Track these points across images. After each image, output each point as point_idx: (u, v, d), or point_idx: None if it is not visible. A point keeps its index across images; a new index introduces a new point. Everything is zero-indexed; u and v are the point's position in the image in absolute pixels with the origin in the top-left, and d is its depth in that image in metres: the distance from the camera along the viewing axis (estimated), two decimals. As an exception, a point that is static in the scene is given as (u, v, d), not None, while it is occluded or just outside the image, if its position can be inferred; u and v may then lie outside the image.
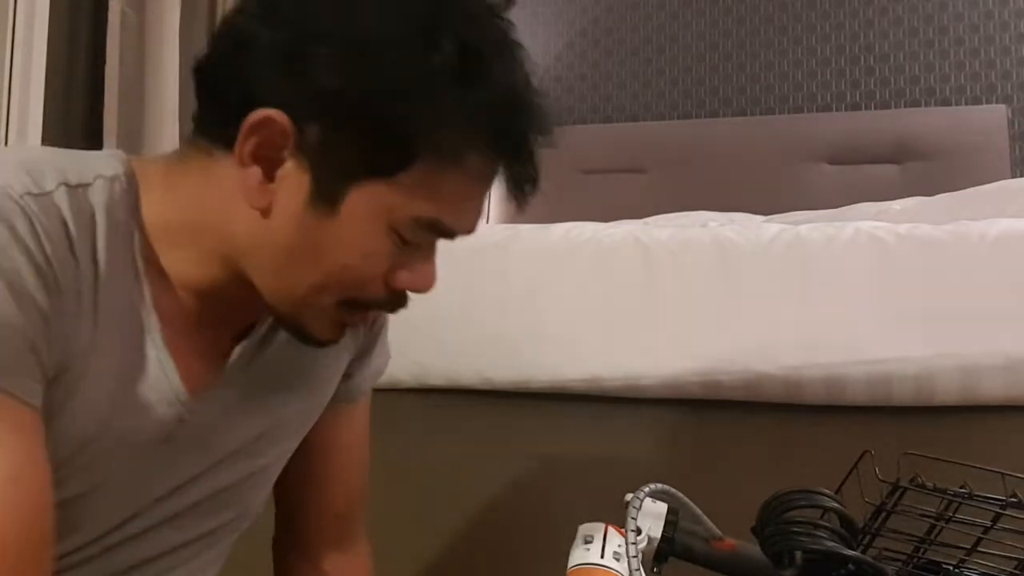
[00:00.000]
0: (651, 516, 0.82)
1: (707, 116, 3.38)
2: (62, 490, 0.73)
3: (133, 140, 2.25)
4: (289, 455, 0.96)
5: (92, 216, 0.71)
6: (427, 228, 0.75)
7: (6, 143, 1.94)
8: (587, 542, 0.79)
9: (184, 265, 0.77)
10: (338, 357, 0.95)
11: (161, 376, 0.77)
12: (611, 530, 0.80)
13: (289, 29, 0.71)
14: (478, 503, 1.41)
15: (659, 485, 0.82)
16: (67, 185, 0.70)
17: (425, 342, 1.42)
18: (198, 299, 0.79)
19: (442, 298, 1.46)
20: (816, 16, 3.29)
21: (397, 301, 0.80)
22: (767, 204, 2.78)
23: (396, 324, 1.42)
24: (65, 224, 0.69)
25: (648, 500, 0.81)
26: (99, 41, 2.20)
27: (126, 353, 0.75)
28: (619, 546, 0.78)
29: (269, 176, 0.73)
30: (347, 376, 0.98)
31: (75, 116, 2.15)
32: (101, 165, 0.75)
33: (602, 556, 0.78)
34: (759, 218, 2.41)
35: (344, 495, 1.04)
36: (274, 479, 0.96)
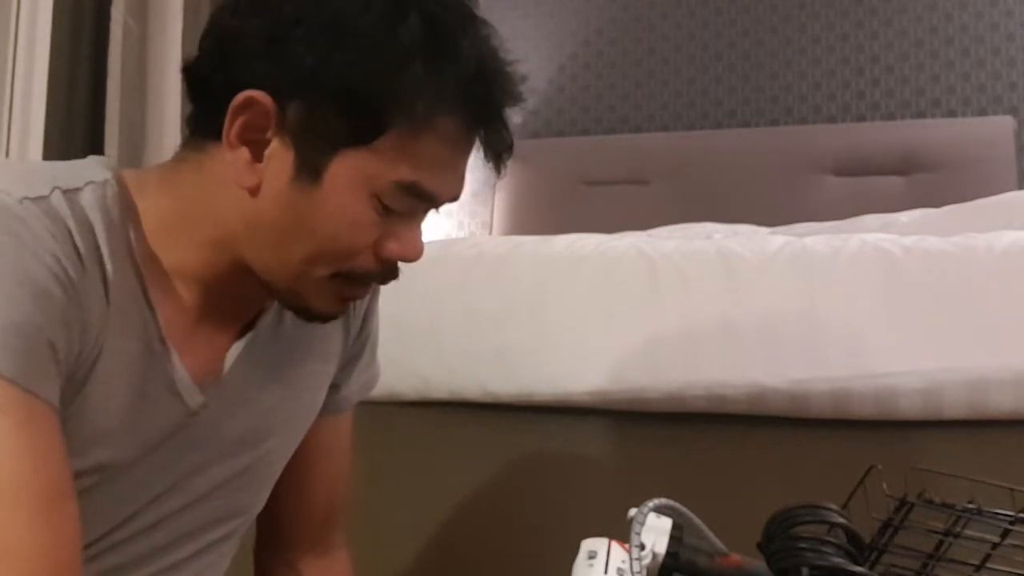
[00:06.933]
0: (655, 531, 0.81)
1: (711, 127, 3.38)
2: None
3: (135, 152, 2.26)
4: (286, 456, 0.98)
5: (87, 217, 0.74)
6: (408, 193, 0.77)
7: (7, 155, 1.94)
8: (590, 557, 0.79)
9: (182, 256, 0.81)
10: (327, 360, 0.98)
11: (170, 370, 0.80)
12: (615, 545, 0.79)
13: (268, 16, 0.75)
14: (480, 517, 1.40)
15: (663, 500, 0.81)
16: (60, 189, 0.73)
17: (427, 355, 1.42)
18: (199, 292, 0.82)
19: (444, 311, 1.47)
20: (821, 27, 3.30)
21: (388, 272, 0.82)
22: (772, 216, 2.78)
23: (398, 337, 1.42)
24: (66, 225, 0.72)
25: (652, 515, 0.80)
26: (101, 53, 2.21)
27: (135, 349, 0.78)
28: (623, 562, 0.77)
29: (257, 157, 0.77)
30: (335, 387, 1.01)
31: (77, 128, 2.16)
32: (89, 172, 0.78)
33: (606, 572, 0.77)
34: (764, 230, 2.40)
35: (325, 501, 1.07)
36: (272, 478, 0.98)
